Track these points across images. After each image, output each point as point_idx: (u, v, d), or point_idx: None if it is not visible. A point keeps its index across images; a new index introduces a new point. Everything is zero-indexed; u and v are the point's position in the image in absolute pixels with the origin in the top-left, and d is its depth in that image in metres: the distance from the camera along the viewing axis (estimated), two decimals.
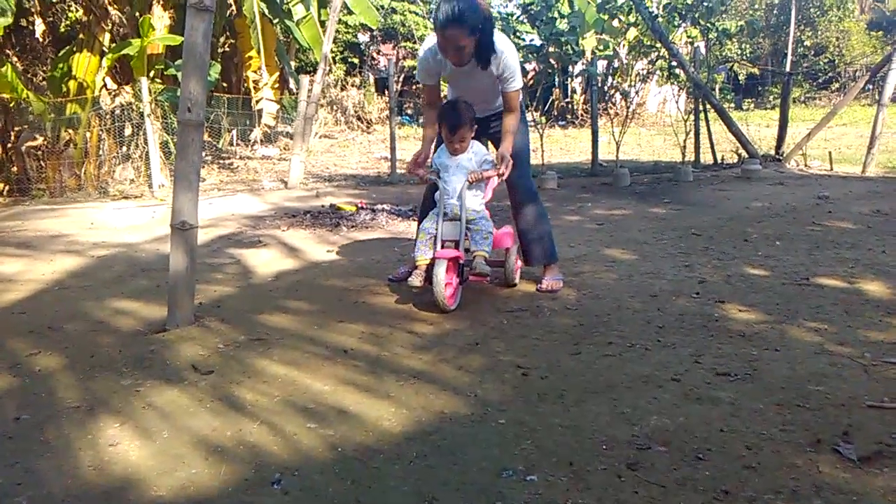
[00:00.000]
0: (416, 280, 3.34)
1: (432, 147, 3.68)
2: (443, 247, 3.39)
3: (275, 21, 12.73)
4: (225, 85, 14.03)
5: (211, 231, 5.93)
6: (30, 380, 2.74)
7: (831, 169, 9.30)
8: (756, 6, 26.73)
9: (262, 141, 13.60)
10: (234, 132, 13.66)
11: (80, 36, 11.01)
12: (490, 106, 3.74)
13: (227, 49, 14.33)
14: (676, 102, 10.38)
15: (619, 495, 1.79)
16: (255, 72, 13.36)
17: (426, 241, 3.43)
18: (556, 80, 19.64)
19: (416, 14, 25.43)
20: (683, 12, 8.84)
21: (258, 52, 12.25)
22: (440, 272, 3.25)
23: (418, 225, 3.66)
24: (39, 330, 3.37)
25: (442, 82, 3.83)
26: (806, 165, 9.53)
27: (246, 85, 13.86)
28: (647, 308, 3.39)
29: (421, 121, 3.78)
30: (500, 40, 3.41)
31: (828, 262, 4.13)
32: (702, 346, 2.86)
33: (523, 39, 9.70)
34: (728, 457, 1.96)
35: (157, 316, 3.46)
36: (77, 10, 12.44)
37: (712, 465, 1.92)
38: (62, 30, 13.25)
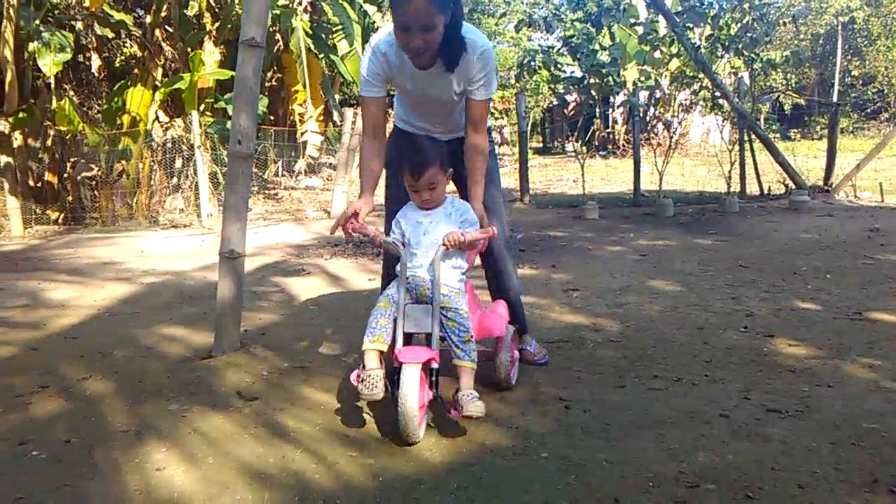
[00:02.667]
0: (371, 388, 2.29)
1: (372, 192, 2.69)
2: (407, 342, 2.44)
3: (320, 56, 13.05)
4: (272, 118, 14.39)
5: (257, 259, 6.04)
6: (80, 403, 2.81)
7: (882, 200, 9.04)
8: (802, 36, 26.43)
9: (306, 172, 13.86)
10: (280, 163, 13.97)
11: (135, 71, 11.47)
12: (451, 128, 2.88)
13: (275, 83, 14.72)
14: (721, 132, 10.26)
15: None
16: (300, 105, 13.68)
17: (386, 316, 2.43)
18: (598, 110, 19.68)
19: None
20: (727, 43, 8.78)
21: (304, 86, 12.54)
22: (410, 388, 2.21)
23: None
24: (90, 355, 3.46)
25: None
26: (856, 197, 9.28)
27: (292, 118, 14.19)
28: (694, 341, 3.32)
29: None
30: (471, 31, 2.62)
31: (881, 297, 4.00)
32: (751, 381, 2.78)
33: (564, 71, 9.73)
34: (780, 496, 1.89)
35: (204, 343, 3.52)
36: (132, 46, 12.97)
37: None
38: (117, 65, 13.81)
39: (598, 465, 2.12)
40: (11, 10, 9.28)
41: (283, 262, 6.05)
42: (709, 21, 8.80)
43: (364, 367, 2.36)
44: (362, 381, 2.30)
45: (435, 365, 2.36)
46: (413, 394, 2.21)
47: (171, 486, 2.08)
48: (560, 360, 3.13)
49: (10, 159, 9.50)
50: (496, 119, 26.71)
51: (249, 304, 4.30)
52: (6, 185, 9.35)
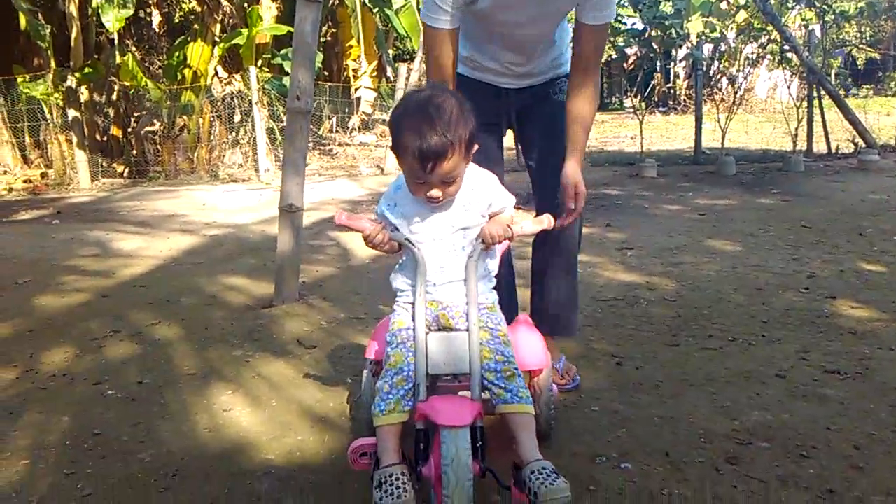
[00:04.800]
0: (396, 495, 1.44)
1: None
2: (436, 390, 1.72)
3: (374, 10, 12.96)
4: (326, 74, 14.43)
5: (313, 214, 6.15)
6: (150, 348, 2.96)
7: None
8: None
9: (359, 128, 13.91)
10: (334, 119, 14.05)
11: (194, 26, 11.61)
12: (533, 70, 2.18)
13: (329, 38, 14.71)
14: (788, 88, 9.84)
15: (717, 488, 1.76)
16: (354, 60, 13.67)
17: (407, 375, 1.62)
18: (659, 64, 19.06)
19: None
20: None
21: (358, 42, 12.52)
22: (460, 467, 1.46)
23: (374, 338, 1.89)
24: (158, 303, 3.63)
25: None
26: None
27: (346, 73, 14.21)
28: (752, 302, 3.27)
29: None
30: None
31: None
32: (809, 342, 2.74)
33: (625, 24, 9.44)
34: (835, 456, 1.88)
35: (265, 293, 3.64)
36: (190, 2, 13.11)
37: (817, 463, 1.85)
38: (176, 20, 14.00)
39: (648, 420, 2.14)
40: None
41: None
42: None
43: (378, 458, 1.57)
44: (380, 485, 1.48)
45: (480, 423, 1.58)
46: (465, 471, 1.46)
47: (238, 426, 2.20)
48: (613, 317, 3.13)
49: (78, 114, 9.82)
50: None
51: (307, 256, 4.41)
52: (74, 139, 9.68)
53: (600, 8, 1.98)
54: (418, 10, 12.57)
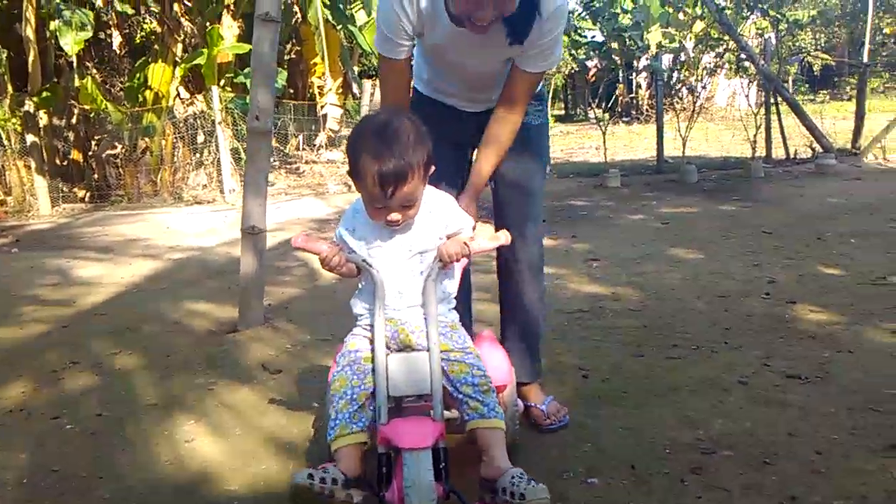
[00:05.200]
0: (325, 479, 1.48)
1: None
2: (398, 413, 1.66)
3: (338, 27, 12.97)
4: (291, 91, 14.37)
5: (279, 234, 6.09)
6: (111, 378, 2.90)
7: None
8: None
9: (326, 145, 13.87)
10: (301, 137, 13.99)
11: (155, 47, 11.49)
12: (494, 96, 2.09)
13: (293, 56, 14.68)
14: (746, 96, 10.06)
15: (682, 500, 1.77)
16: (319, 77, 13.64)
17: (352, 398, 1.61)
18: (621, 75, 19.35)
19: None
20: (752, 3, 8.57)
21: (322, 59, 12.50)
22: (420, 487, 1.47)
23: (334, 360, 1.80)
24: (119, 331, 3.55)
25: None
26: (885, 159, 9.07)
27: (311, 91, 14.16)
28: (714, 309, 3.32)
29: None
30: None
31: None
32: (771, 348, 2.78)
33: (585, 36, 9.58)
34: (796, 462, 1.91)
35: (229, 317, 3.60)
36: (151, 22, 12.98)
37: (779, 469, 1.88)
38: (137, 41, 13.85)
39: (614, 433, 2.15)
40: None
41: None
42: None
43: (330, 463, 1.56)
44: (324, 482, 1.47)
45: (443, 444, 1.57)
46: (428, 493, 1.47)
47: (200, 457, 2.16)
48: (579, 329, 3.15)
49: (37, 138, 9.64)
50: None
51: (272, 278, 4.36)
52: (33, 164, 9.49)
53: (543, 58, 1.96)
54: None
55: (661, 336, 2.99)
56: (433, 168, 1.64)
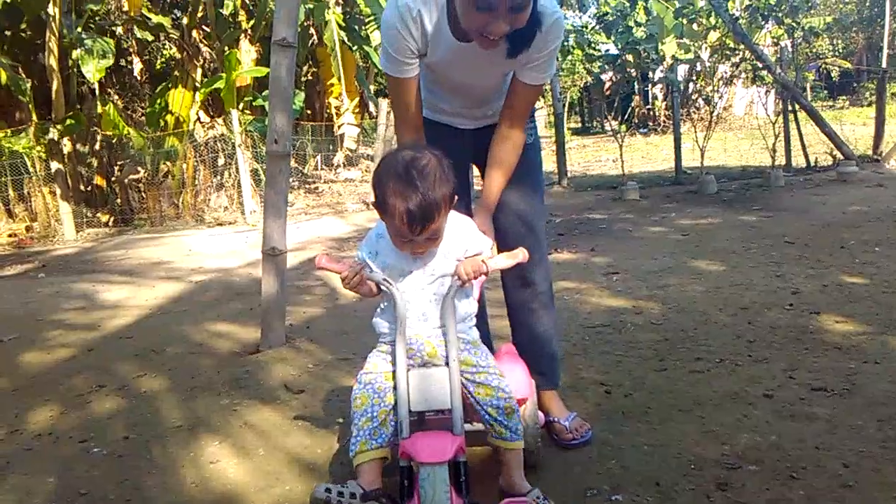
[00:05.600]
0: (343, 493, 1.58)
1: None
2: (421, 426, 1.70)
3: (354, 48, 13.12)
4: (309, 112, 14.54)
5: (299, 254, 6.15)
6: (136, 401, 2.93)
7: None
8: (847, 0, 25.46)
9: (344, 164, 13.99)
10: (319, 157, 14.13)
11: (175, 73, 11.71)
12: (487, 113, 2.18)
13: (310, 77, 14.87)
14: (764, 105, 10.01)
15: None
16: (336, 98, 13.79)
17: (372, 415, 1.67)
18: (636, 87, 19.35)
19: None
20: (766, 13, 8.55)
21: (339, 79, 12.64)
22: (439, 494, 1.51)
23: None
24: (144, 354, 3.60)
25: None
26: None
27: (328, 111, 14.32)
28: (737, 321, 3.28)
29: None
30: None
31: None
32: (796, 360, 2.75)
33: (599, 50, 9.61)
34: (824, 475, 1.88)
35: (252, 338, 3.63)
36: (171, 49, 13.23)
37: (807, 484, 1.85)
38: (157, 67, 14.12)
39: (638, 449, 2.13)
40: (54, 20, 9.57)
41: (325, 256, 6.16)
42: None
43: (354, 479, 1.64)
44: (328, 490, 1.57)
45: (462, 458, 1.62)
46: (442, 494, 1.51)
47: (225, 479, 2.17)
48: (600, 344, 3.14)
49: (61, 165, 9.83)
50: None
51: (293, 298, 4.39)
52: (58, 191, 9.68)
53: (541, 70, 1.98)
54: None
55: (684, 350, 2.96)
56: (456, 199, 1.67)
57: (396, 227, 1.62)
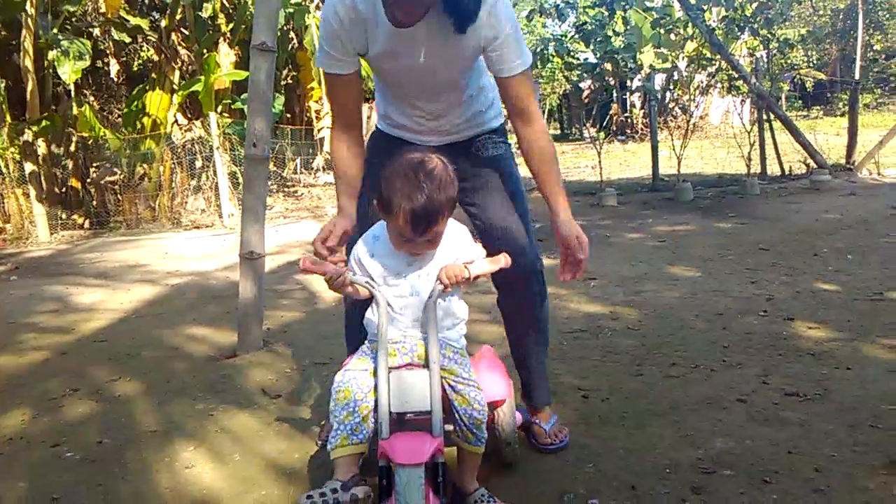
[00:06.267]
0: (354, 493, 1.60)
1: (353, 204, 1.97)
2: (401, 426, 1.69)
3: None
4: (289, 116, 14.48)
5: (278, 258, 6.11)
6: (110, 405, 2.89)
7: None
8: (821, 12, 25.93)
9: (324, 168, 13.94)
10: (298, 161, 14.07)
11: (153, 75, 11.59)
12: (450, 127, 2.07)
13: (290, 81, 14.80)
14: (739, 114, 10.15)
15: None
16: (316, 101, 13.75)
17: (353, 410, 1.68)
18: (615, 95, 19.55)
19: None
20: (742, 24, 8.68)
21: (319, 83, 12.60)
22: (414, 495, 1.55)
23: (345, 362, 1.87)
24: (118, 357, 3.55)
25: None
26: (879, 174, 9.14)
27: (308, 115, 14.27)
28: (712, 327, 3.32)
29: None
30: None
31: None
32: (769, 365, 2.79)
33: (577, 58, 9.68)
34: (797, 480, 1.91)
35: (228, 342, 3.60)
36: (148, 50, 13.11)
37: (780, 488, 1.88)
38: (135, 69, 13.96)
39: (615, 454, 2.15)
40: (30, 20, 9.43)
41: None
42: (723, 2, 8.71)
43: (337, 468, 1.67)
44: (309, 497, 1.59)
45: (441, 458, 1.65)
46: (416, 496, 1.54)
47: (200, 484, 2.15)
48: (578, 349, 3.16)
49: (35, 167, 9.68)
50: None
51: (271, 302, 4.37)
52: (32, 192, 9.53)
53: (509, 60, 1.87)
54: None
55: (661, 355, 2.99)
56: (457, 205, 1.72)
57: (399, 228, 1.64)
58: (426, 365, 1.68)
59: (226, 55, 11.63)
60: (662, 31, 9.14)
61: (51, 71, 10.01)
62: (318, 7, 12.97)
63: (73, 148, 10.45)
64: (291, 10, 11.78)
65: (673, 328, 3.35)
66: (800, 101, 23.41)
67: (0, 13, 10.05)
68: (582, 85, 9.99)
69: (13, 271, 6.69)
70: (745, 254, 4.92)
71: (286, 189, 12.65)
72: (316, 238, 1.84)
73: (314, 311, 4.30)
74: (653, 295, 3.99)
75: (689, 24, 8.80)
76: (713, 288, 4.04)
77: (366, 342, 1.83)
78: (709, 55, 9.00)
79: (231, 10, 12.69)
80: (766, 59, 9.59)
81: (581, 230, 1.96)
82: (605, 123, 12.60)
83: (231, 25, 12.16)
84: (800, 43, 9.63)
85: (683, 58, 10.37)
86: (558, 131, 26.64)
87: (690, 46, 9.65)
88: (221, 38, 11.89)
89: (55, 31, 9.79)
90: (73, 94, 10.66)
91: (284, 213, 10.03)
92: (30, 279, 6.12)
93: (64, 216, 10.01)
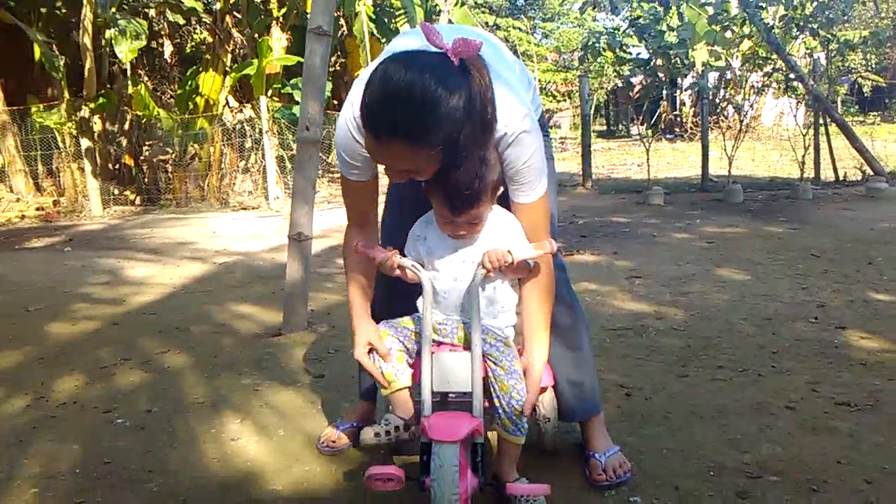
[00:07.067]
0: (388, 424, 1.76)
1: (369, 316, 1.84)
2: (442, 404, 1.72)
3: (383, 40, 13.15)
4: (335, 103, 14.60)
5: (322, 242, 6.18)
6: (160, 375, 2.98)
7: None
8: (883, 14, 25.07)
9: None
10: None
11: (206, 56, 11.80)
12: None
13: (338, 68, 14.91)
14: (794, 116, 9.90)
15: None
16: None
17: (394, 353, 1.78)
18: (665, 92, 19.22)
19: (520, 30, 25.54)
20: (801, 23, 8.44)
21: None
22: (446, 478, 1.56)
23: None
24: (168, 330, 3.65)
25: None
26: None
27: None
28: (761, 332, 3.26)
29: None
30: (505, 99, 1.59)
31: None
32: (819, 373, 2.72)
33: (630, 53, 9.55)
34: (846, 490, 1.87)
35: (273, 320, 3.66)
36: (202, 33, 13.34)
37: (828, 498, 1.84)
38: (188, 51, 14.24)
39: (658, 453, 2.13)
40: None
41: None
42: (782, 1, 8.48)
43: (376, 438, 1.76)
44: (376, 434, 1.74)
45: (479, 439, 1.69)
46: (451, 485, 1.55)
47: (245, 456, 2.20)
48: (621, 347, 3.13)
49: (91, 143, 9.97)
50: (558, 102, 26.38)
51: (315, 284, 4.42)
52: (87, 167, 9.81)
53: (529, 182, 1.70)
54: None
55: (707, 357, 2.95)
56: (501, 189, 1.69)
57: (439, 208, 1.67)
58: (467, 347, 1.70)
59: (277, 39, 11.77)
60: (718, 27, 8.96)
61: (108, 49, 10.28)
62: None
63: (127, 126, 10.73)
64: None
65: (720, 330, 3.30)
66: (857, 106, 22.73)
67: None
68: (633, 80, 9.83)
69: (67, 243, 6.90)
70: (795, 259, 4.80)
71: (330, 174, 12.77)
72: (358, 354, 1.76)
73: None
74: (699, 296, 3.93)
75: (746, 22, 8.60)
76: (762, 292, 3.96)
77: (407, 317, 1.83)
78: (764, 54, 8.79)
79: None
80: (824, 61, 9.33)
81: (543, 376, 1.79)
82: (653, 121, 12.40)
83: (283, 10, 12.29)
84: (860, 45, 9.30)
85: (737, 56, 10.16)
86: (604, 127, 26.35)
87: (746, 45, 9.44)
88: (274, 23, 12.03)
89: (113, 10, 10.03)
90: (128, 73, 10.92)
91: (328, 198, 10.14)
92: (83, 251, 6.30)
93: (116, 192, 10.30)
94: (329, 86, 12.85)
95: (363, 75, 1.60)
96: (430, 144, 1.45)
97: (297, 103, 10.90)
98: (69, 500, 1.97)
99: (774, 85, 9.25)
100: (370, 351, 1.76)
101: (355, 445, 2.17)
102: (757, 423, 2.30)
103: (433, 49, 1.49)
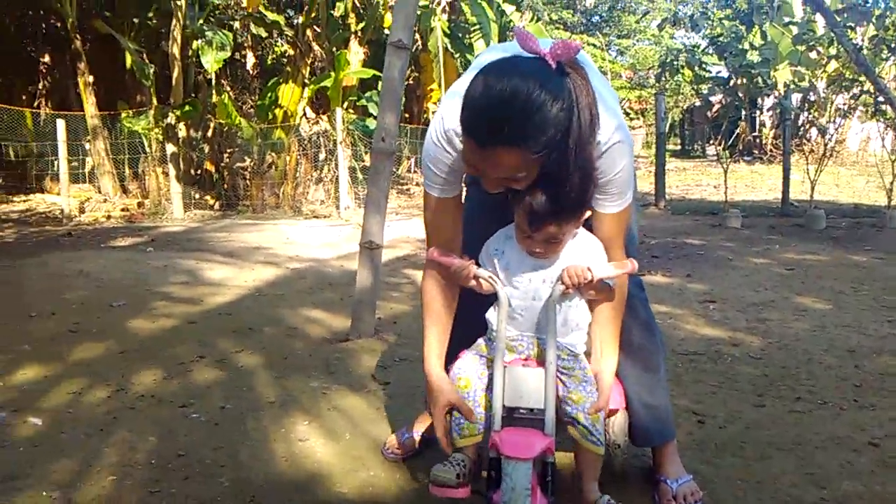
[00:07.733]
0: (453, 461, 1.71)
1: (443, 362, 1.81)
2: (511, 422, 1.67)
3: (456, 55, 13.28)
4: (407, 115, 14.81)
5: (390, 252, 6.26)
6: (233, 374, 3.07)
7: None
8: None
9: None
10: (413, 160, 14.36)
11: (286, 69, 12.19)
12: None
13: (411, 82, 15.14)
14: (882, 141, 9.45)
15: None
16: (434, 103, 13.98)
17: (475, 400, 1.73)
18: (744, 112, 18.70)
19: (595, 47, 25.32)
20: (893, 44, 8.08)
21: (439, 86, 12.81)
22: (519, 494, 1.54)
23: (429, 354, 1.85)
24: (241, 331, 3.76)
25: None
26: None
27: (426, 115, 14.54)
28: (843, 364, 3.11)
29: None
30: (599, 108, 1.53)
31: None
32: None
33: (709, 71, 9.34)
34: None
35: (342, 326, 3.73)
36: (283, 45, 13.79)
37: None
38: (269, 63, 14.74)
39: (731, 483, 2.05)
40: (179, 11, 10.16)
41: (413, 255, 6.25)
42: (873, 20, 8.14)
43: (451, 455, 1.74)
44: (443, 470, 1.68)
45: (551, 458, 1.63)
46: (521, 489, 1.54)
47: (313, 457, 2.24)
48: (694, 373, 3.04)
49: (175, 148, 10.42)
50: (631, 120, 25.99)
51: (383, 293, 4.47)
52: (171, 172, 10.25)
53: (617, 193, 1.67)
54: None
55: (785, 387, 2.83)
56: (588, 212, 1.66)
57: (519, 219, 1.65)
58: (541, 363, 1.68)
59: (355, 53, 12.05)
60: (803, 47, 8.68)
61: (194, 60, 10.74)
62: (444, 10, 13.21)
63: (210, 133, 11.18)
64: (419, 13, 12.05)
65: (799, 361, 3.16)
66: None
67: (153, 2, 10.87)
68: (712, 99, 9.60)
69: (149, 243, 7.22)
70: (881, 290, 4.57)
71: (399, 186, 12.95)
72: (440, 437, 1.74)
73: None
74: (778, 324, 3.78)
75: (833, 43, 8.29)
76: (845, 323, 3.78)
77: (480, 339, 1.82)
78: (851, 76, 8.45)
79: (362, 10, 13.12)
80: None
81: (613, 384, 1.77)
82: (731, 142, 12.07)
83: (362, 24, 12.58)
84: None
85: (822, 78, 9.80)
86: (678, 147, 25.78)
87: (832, 66, 9.11)
88: (352, 37, 12.32)
89: (201, 22, 10.50)
90: (212, 82, 11.38)
91: (397, 209, 10.28)
92: (164, 252, 6.57)
93: (197, 196, 10.72)
94: (402, 100, 13.07)
95: (455, 88, 1.64)
96: (533, 148, 1.43)
97: (371, 115, 11.13)
98: (145, 489, 2.05)
99: (861, 108, 8.86)
100: (449, 412, 1.72)
101: (422, 462, 2.18)
102: (837, 459, 2.19)
103: (527, 55, 1.49)
